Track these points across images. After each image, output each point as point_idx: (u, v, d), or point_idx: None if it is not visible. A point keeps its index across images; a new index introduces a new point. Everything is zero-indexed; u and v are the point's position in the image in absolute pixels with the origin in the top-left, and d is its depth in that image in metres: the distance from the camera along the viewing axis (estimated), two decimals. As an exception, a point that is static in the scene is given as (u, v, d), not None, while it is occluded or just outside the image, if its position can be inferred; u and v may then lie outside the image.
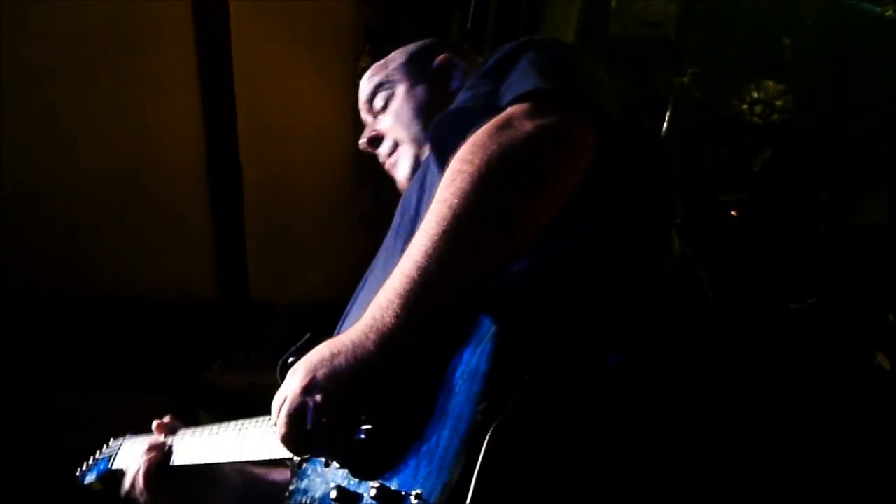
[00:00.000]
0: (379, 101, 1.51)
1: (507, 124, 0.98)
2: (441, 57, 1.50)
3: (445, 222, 0.92)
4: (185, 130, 3.14)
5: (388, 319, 0.92)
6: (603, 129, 1.02)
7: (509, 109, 1.01)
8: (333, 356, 0.94)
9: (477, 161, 0.94)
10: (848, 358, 2.37)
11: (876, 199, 2.65)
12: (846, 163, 2.67)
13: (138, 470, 1.50)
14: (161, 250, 3.19)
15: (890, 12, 2.55)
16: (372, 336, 0.92)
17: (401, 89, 1.48)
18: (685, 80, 2.68)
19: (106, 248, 3.08)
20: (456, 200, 0.93)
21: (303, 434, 0.96)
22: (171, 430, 1.57)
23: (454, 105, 1.18)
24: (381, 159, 1.53)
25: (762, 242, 2.65)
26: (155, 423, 1.59)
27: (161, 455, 1.52)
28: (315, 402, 0.94)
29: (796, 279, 2.55)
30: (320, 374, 0.94)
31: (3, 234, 2.79)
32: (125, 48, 2.91)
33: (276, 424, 0.99)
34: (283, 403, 0.97)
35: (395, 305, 0.92)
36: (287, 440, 0.98)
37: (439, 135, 1.14)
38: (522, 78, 1.06)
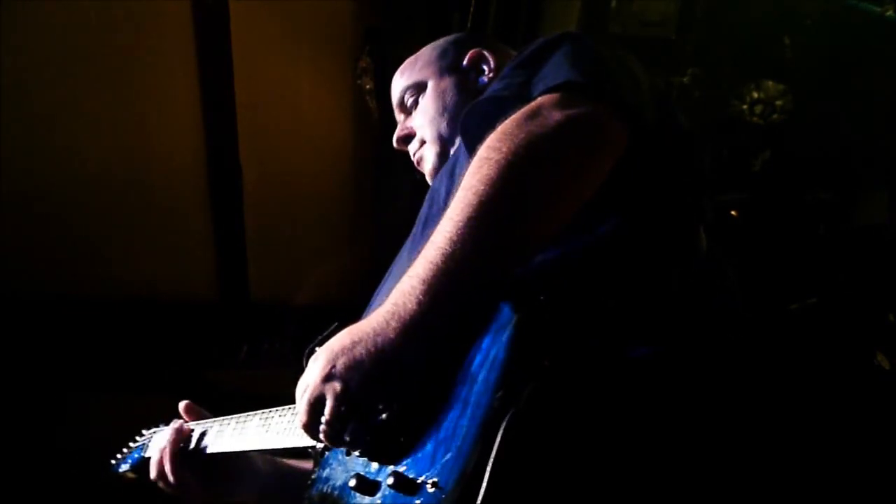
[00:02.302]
0: (409, 99, 1.51)
1: (535, 113, 0.97)
2: (471, 52, 1.50)
3: (471, 209, 0.92)
4: (185, 130, 3.14)
5: (411, 305, 0.91)
6: (633, 123, 1.01)
7: (539, 99, 1.00)
8: (354, 344, 0.94)
9: (504, 149, 0.94)
10: (848, 358, 2.37)
11: (876, 199, 2.65)
12: (846, 163, 2.67)
13: (163, 455, 1.50)
14: (161, 250, 3.19)
15: (890, 12, 2.55)
16: (393, 323, 0.92)
17: (430, 86, 1.48)
18: (685, 80, 2.68)
19: (106, 249, 3.08)
20: (482, 187, 0.92)
21: (322, 422, 0.96)
22: (196, 414, 1.57)
23: (486, 94, 1.18)
24: (411, 156, 1.53)
25: (762, 242, 2.65)
26: (183, 405, 1.59)
27: (184, 438, 1.52)
28: (335, 391, 0.94)
29: (796, 279, 2.55)
30: (340, 362, 0.94)
31: (2, 234, 2.79)
32: (125, 48, 2.91)
33: (298, 412, 1.00)
34: (304, 391, 0.98)
35: (417, 291, 0.91)
36: (307, 428, 0.99)
37: (469, 123, 1.14)
38: (555, 70, 1.06)
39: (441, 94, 1.46)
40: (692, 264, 1.11)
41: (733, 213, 2.69)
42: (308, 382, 0.97)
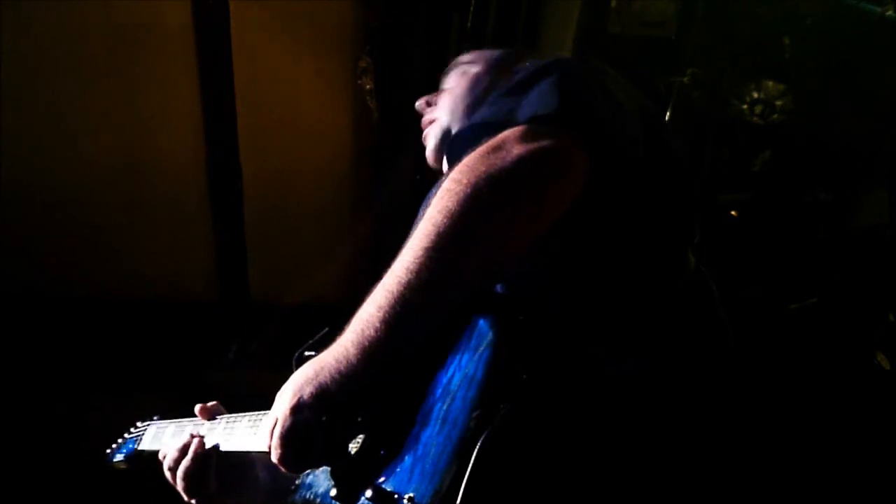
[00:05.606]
0: (451, 77, 1.51)
1: (499, 147, 0.97)
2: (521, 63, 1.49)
3: (429, 240, 0.93)
4: (185, 130, 3.14)
5: (369, 332, 0.93)
6: (603, 153, 1.00)
7: (506, 132, 1.00)
8: (317, 373, 0.96)
9: (465, 181, 0.95)
10: (848, 358, 2.37)
11: (876, 199, 2.65)
12: (846, 163, 2.67)
13: (193, 455, 1.39)
14: (161, 250, 3.19)
15: (890, 12, 2.55)
16: (353, 349, 0.94)
17: (473, 72, 1.47)
18: (685, 80, 2.68)
19: (105, 248, 3.08)
20: (441, 219, 0.94)
21: (297, 453, 0.97)
22: (212, 415, 1.52)
23: (474, 120, 1.18)
24: (422, 124, 1.53)
25: (762, 242, 2.65)
26: (198, 407, 1.53)
27: (204, 440, 1.45)
28: (304, 420, 0.95)
29: (796, 279, 2.55)
30: (307, 392, 0.95)
31: (1, 234, 2.80)
32: (125, 48, 2.91)
33: (269, 448, 1.00)
34: (274, 426, 0.98)
35: (374, 319, 0.93)
36: (283, 461, 1.00)
37: (455, 147, 1.13)
38: (536, 99, 1.06)
39: (473, 86, 1.45)
40: (677, 284, 1.12)
41: (733, 213, 2.69)
42: (277, 416, 0.98)
